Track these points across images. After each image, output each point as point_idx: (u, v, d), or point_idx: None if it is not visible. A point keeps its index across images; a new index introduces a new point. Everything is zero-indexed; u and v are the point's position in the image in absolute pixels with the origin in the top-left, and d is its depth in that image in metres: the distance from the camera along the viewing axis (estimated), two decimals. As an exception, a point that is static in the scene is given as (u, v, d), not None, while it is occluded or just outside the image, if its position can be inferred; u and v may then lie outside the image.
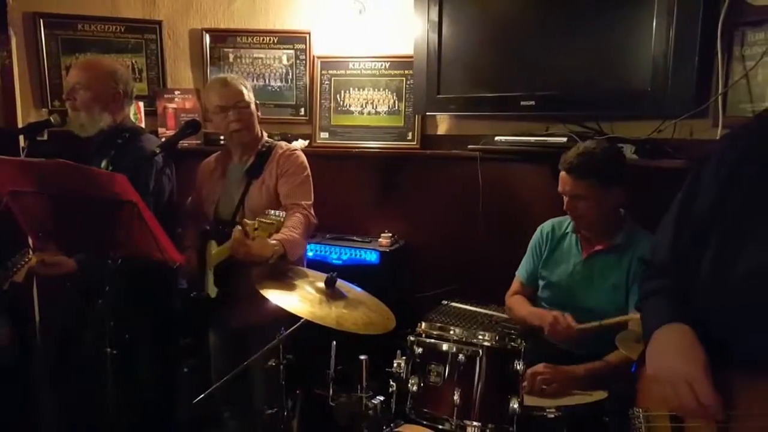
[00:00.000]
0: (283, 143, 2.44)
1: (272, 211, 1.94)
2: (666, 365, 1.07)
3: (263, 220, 1.90)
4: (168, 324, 2.46)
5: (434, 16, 2.80)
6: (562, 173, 2.08)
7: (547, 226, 2.32)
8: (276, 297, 1.85)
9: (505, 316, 2.45)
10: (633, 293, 2.03)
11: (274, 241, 2.02)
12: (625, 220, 2.12)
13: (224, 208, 2.34)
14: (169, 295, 2.42)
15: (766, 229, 1.02)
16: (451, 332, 1.73)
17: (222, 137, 2.63)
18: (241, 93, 2.28)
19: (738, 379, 1.02)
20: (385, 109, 3.15)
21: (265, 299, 1.86)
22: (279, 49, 3.20)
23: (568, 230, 2.23)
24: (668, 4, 2.11)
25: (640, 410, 1.16)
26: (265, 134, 2.43)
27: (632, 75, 2.25)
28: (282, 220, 1.93)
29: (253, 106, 2.33)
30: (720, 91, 2.09)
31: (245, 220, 1.99)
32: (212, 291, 2.13)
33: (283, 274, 2.04)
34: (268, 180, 2.31)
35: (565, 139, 2.44)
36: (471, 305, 2.63)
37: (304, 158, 2.39)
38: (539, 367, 1.96)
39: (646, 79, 2.20)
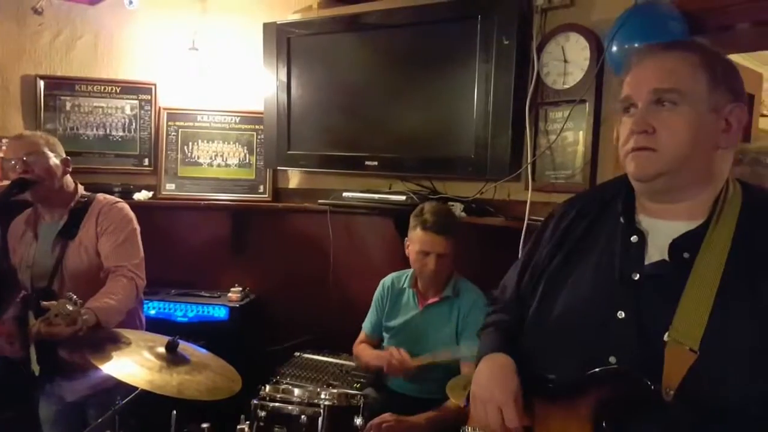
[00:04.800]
0: (102, 196, 2.28)
1: (73, 297, 1.85)
2: (483, 389, 1.21)
3: (61, 310, 1.82)
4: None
5: (283, 77, 2.91)
6: (429, 234, 2.17)
7: (387, 280, 2.47)
8: (110, 366, 1.76)
9: (354, 364, 2.55)
10: (463, 341, 2.22)
11: (85, 310, 1.89)
12: (452, 272, 2.32)
13: (40, 274, 2.15)
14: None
15: (574, 284, 1.19)
16: (295, 393, 1.76)
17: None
18: (34, 144, 2.12)
19: (544, 404, 1.18)
20: (236, 161, 3.17)
21: (99, 368, 1.76)
22: (122, 98, 3.10)
23: (405, 285, 2.39)
24: (486, 83, 2.40)
25: (469, 428, 1.29)
26: (81, 188, 2.26)
27: (459, 142, 2.52)
28: (79, 309, 1.84)
29: (53, 160, 2.14)
30: (530, 161, 2.40)
31: (47, 303, 1.86)
32: (35, 368, 1.98)
33: (115, 340, 1.93)
34: (86, 240, 2.15)
35: (404, 198, 2.64)
36: (323, 355, 2.71)
37: (127, 211, 2.25)
38: (384, 416, 2.06)
39: (470, 146, 2.47)
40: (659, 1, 2.04)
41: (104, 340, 1.91)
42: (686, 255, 1.05)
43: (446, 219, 2.21)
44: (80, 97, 3.08)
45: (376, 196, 2.76)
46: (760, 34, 2.05)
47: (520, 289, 1.33)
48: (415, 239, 2.22)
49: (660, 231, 1.11)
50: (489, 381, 1.20)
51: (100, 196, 2.27)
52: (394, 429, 2.01)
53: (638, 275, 1.09)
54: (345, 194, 2.85)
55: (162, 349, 1.89)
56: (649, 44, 1.13)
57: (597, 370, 1.07)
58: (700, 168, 1.07)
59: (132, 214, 2.26)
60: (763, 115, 4.69)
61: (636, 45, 1.20)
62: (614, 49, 2.08)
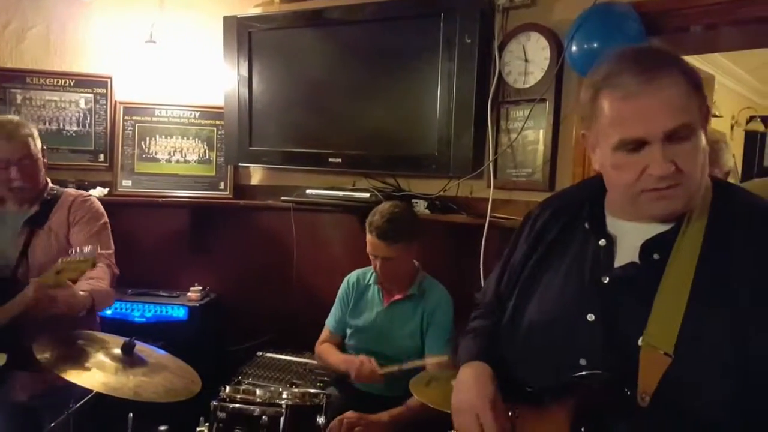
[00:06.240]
0: (73, 189, 2.28)
1: (85, 248, 1.78)
2: (461, 397, 1.22)
3: (70, 259, 1.75)
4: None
5: (244, 71, 2.86)
6: (374, 239, 2.19)
7: (352, 276, 2.46)
8: (61, 368, 1.71)
9: (318, 363, 2.53)
10: (428, 339, 2.23)
11: (83, 292, 1.86)
12: (417, 270, 2.33)
13: (1, 262, 2.07)
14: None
15: (545, 288, 1.20)
16: (256, 394, 1.74)
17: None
18: (27, 146, 2.06)
19: (524, 410, 1.17)
20: (196, 157, 3.11)
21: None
22: (76, 92, 3.00)
23: (370, 281, 2.39)
24: (448, 81, 2.41)
25: None
26: (49, 181, 2.23)
27: (422, 140, 2.52)
28: (95, 256, 1.79)
29: (39, 156, 2.12)
30: (491, 158, 2.43)
31: (34, 278, 1.80)
32: (1, 358, 1.88)
33: (71, 340, 1.88)
34: (57, 228, 2.11)
35: (368, 195, 2.63)
36: (286, 354, 2.68)
37: (99, 205, 2.23)
38: (347, 414, 2.05)
39: (433, 144, 2.48)
40: (617, 1, 2.08)
41: (62, 338, 1.85)
42: (656, 256, 1.05)
43: (394, 225, 2.16)
44: (32, 90, 2.97)
45: (340, 193, 2.75)
46: (713, 36, 2.12)
47: (498, 291, 1.33)
48: (367, 240, 2.23)
49: (629, 234, 1.11)
50: (467, 390, 1.21)
51: (70, 189, 2.27)
52: (357, 425, 2.01)
53: (607, 278, 1.09)
54: (308, 191, 2.83)
55: (118, 351, 1.85)
56: (629, 66, 1.04)
57: (574, 376, 1.07)
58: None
59: (103, 209, 2.23)
60: (714, 116, 4.87)
61: (607, 62, 1.08)
62: (573, 48, 2.12)
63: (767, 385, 0.95)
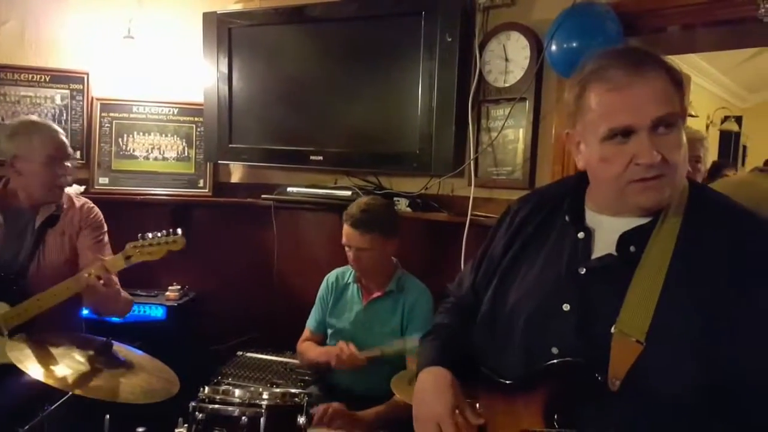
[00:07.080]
0: (73, 195, 2.33)
1: (167, 231, 1.97)
2: (422, 407, 1.22)
3: (141, 243, 1.92)
4: None
5: (224, 68, 2.83)
6: (347, 227, 2.21)
7: (332, 276, 2.45)
8: (35, 369, 1.68)
9: (298, 361, 2.52)
10: (408, 335, 2.23)
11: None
12: (396, 267, 2.33)
13: (7, 259, 2.08)
14: None
15: (523, 279, 1.21)
16: (236, 394, 1.73)
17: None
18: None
19: (497, 400, 1.18)
20: (174, 155, 3.07)
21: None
22: (51, 88, 2.95)
23: (350, 280, 2.38)
24: (429, 79, 2.41)
25: None
26: None
27: (404, 138, 2.51)
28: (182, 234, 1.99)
29: None
30: (472, 157, 2.44)
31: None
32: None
33: (46, 340, 1.85)
34: (69, 230, 2.19)
35: (350, 193, 2.62)
36: (267, 354, 2.66)
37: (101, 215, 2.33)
38: (334, 404, 2.04)
39: (414, 142, 2.47)
40: (596, 2, 2.10)
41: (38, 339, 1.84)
42: (632, 248, 1.07)
43: (368, 215, 2.17)
44: (6, 85, 2.91)
45: (322, 191, 2.74)
46: (690, 37, 2.15)
47: (475, 283, 1.34)
48: (342, 231, 2.24)
49: (607, 227, 1.13)
50: (426, 399, 1.21)
51: (70, 191, 2.31)
52: (339, 418, 2.00)
53: (584, 269, 1.11)
54: (289, 189, 2.82)
55: (95, 351, 1.82)
56: (616, 61, 1.07)
57: (546, 363, 1.08)
58: None
59: None
60: (690, 116, 4.95)
61: (592, 60, 1.11)
62: (553, 48, 2.13)
63: (734, 374, 0.98)
